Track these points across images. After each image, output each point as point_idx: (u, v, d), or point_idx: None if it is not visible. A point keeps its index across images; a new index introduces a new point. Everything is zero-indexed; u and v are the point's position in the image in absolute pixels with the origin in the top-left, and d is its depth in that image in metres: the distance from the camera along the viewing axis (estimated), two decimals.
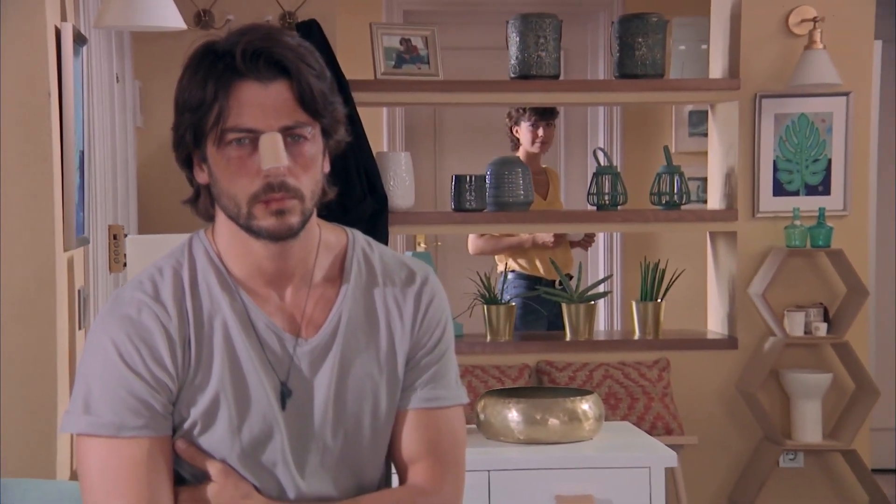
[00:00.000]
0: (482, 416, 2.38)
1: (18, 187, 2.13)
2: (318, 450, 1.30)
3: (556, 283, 3.96)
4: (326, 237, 1.35)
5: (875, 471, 3.74)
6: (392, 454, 1.36)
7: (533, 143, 4.12)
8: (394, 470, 1.39)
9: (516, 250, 4.13)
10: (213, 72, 1.24)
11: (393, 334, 1.34)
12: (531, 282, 4.09)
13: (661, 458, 2.23)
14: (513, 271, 4.15)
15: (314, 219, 1.31)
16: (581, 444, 2.30)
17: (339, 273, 1.34)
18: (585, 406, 2.29)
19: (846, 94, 3.54)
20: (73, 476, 2.22)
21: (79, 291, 2.37)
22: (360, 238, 1.38)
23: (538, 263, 4.13)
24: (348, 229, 1.39)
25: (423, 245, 4.81)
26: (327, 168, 1.31)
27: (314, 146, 1.27)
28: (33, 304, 2.13)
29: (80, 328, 2.36)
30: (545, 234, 4.05)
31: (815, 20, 3.47)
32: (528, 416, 2.28)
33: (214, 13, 3.47)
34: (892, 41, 4.35)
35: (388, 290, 1.35)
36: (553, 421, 2.27)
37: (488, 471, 2.22)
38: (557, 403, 2.28)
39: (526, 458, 2.25)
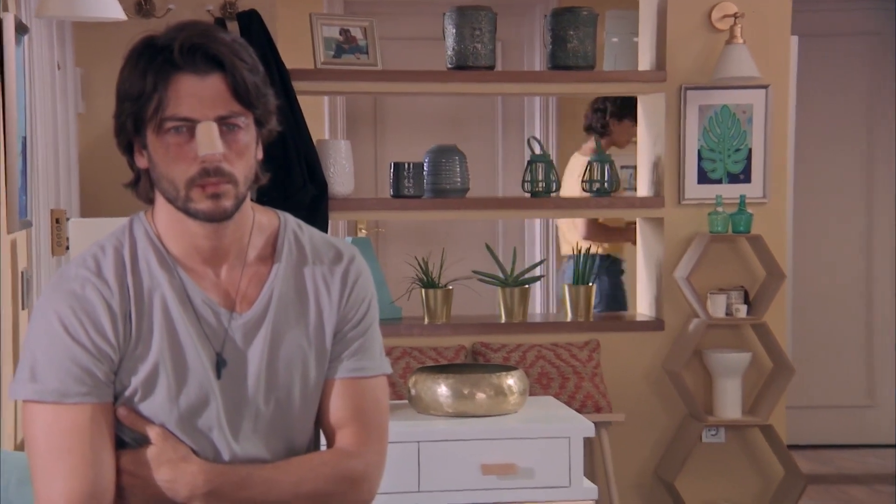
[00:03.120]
0: (413, 392, 2.50)
1: None
2: (251, 416, 1.41)
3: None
4: (260, 219, 1.45)
5: (791, 447, 3.94)
6: (320, 420, 1.47)
7: (629, 139, 4.28)
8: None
9: (619, 235, 4.29)
10: (152, 64, 1.33)
11: (321, 309, 1.45)
12: (609, 261, 4.29)
13: (580, 429, 2.37)
14: (599, 253, 4.29)
15: (248, 202, 1.41)
16: (506, 417, 2.43)
17: (271, 253, 1.44)
18: (510, 381, 2.43)
19: (765, 86, 3.71)
20: (18, 447, 2.29)
21: (22, 273, 2.43)
22: (290, 220, 1.49)
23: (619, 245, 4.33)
24: (280, 212, 1.49)
25: (364, 231, 4.91)
26: (260, 155, 1.41)
27: (248, 135, 1.37)
28: None
29: (23, 308, 2.43)
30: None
31: (735, 16, 3.62)
32: (456, 391, 2.41)
33: (155, 2, 3.51)
34: (809, 36, 4.55)
35: (317, 268, 1.46)
36: (480, 395, 2.39)
37: (418, 442, 2.34)
38: (484, 379, 2.41)
39: (454, 430, 2.37)
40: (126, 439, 1.38)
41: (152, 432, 1.37)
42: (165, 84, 1.32)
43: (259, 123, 1.38)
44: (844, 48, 4.87)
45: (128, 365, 1.37)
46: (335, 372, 1.45)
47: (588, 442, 3.74)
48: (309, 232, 1.49)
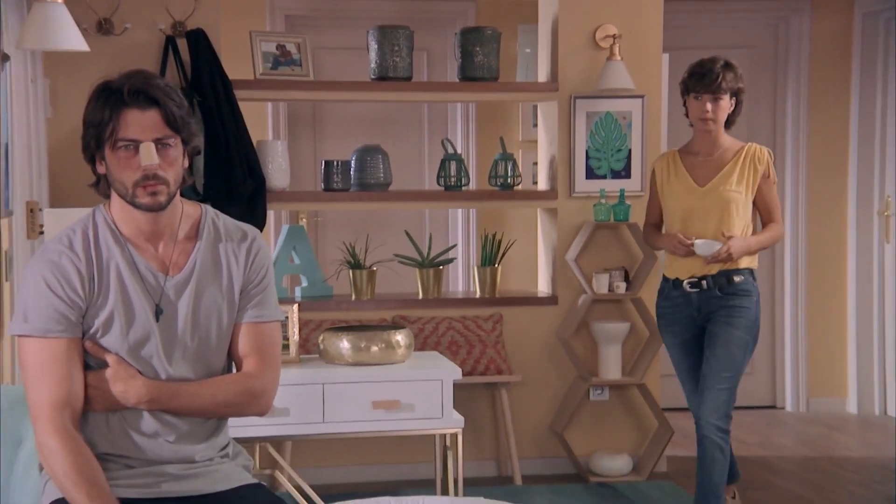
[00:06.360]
0: (322, 346, 3.09)
1: None
2: (181, 348, 1.99)
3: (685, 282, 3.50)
4: (187, 209, 2.05)
5: (666, 409, 4.57)
6: (231, 352, 2.06)
7: (697, 117, 3.39)
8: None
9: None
10: (108, 102, 1.91)
11: (231, 274, 2.04)
12: (664, 281, 3.63)
13: (450, 374, 2.98)
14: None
15: (178, 198, 2.00)
16: (394, 365, 3.04)
17: (195, 233, 2.04)
18: (398, 337, 3.03)
19: (641, 96, 4.33)
20: (13, 381, 2.83)
21: (5, 253, 2.99)
22: (210, 210, 2.08)
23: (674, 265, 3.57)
24: (202, 204, 2.09)
25: (304, 219, 5.48)
26: (187, 164, 2.00)
27: (177, 150, 1.96)
28: None
29: (6, 280, 2.99)
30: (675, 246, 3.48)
31: (615, 36, 4.24)
32: (354, 345, 3.01)
33: (114, 21, 4.04)
34: (682, 50, 5.13)
35: (229, 245, 2.05)
36: (374, 348, 3.00)
37: (323, 384, 2.94)
38: (377, 335, 3.01)
39: (352, 374, 2.97)
40: (91, 363, 1.97)
41: (110, 359, 1.95)
42: (118, 116, 1.91)
43: (185, 143, 1.97)
44: None
45: (91, 312, 1.95)
46: (242, 317, 2.04)
47: (490, 400, 4.36)
48: (223, 218, 2.08)
